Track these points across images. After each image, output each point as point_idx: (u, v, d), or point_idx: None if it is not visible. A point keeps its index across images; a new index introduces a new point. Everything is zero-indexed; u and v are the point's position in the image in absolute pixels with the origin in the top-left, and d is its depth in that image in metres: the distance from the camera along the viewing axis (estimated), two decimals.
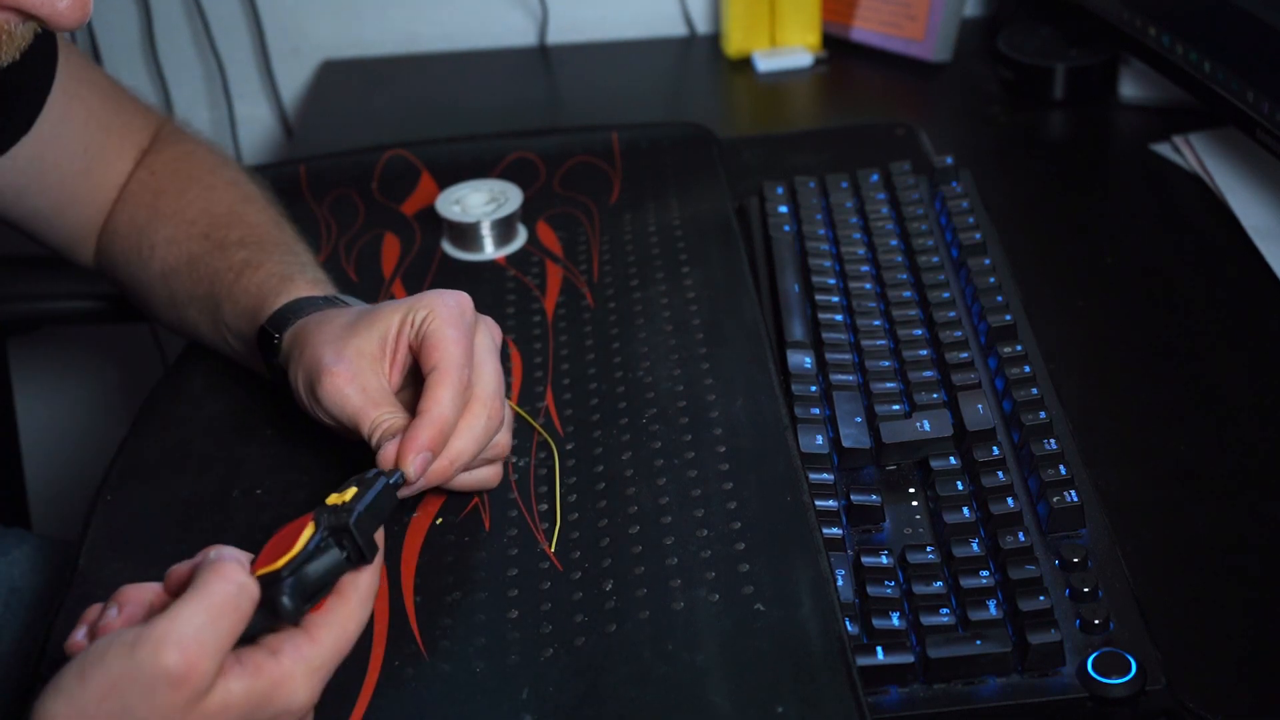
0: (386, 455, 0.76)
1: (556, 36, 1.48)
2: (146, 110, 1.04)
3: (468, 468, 0.80)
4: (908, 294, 0.96)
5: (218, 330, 0.93)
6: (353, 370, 0.79)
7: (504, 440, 0.83)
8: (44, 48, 0.93)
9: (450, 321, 0.80)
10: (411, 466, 0.75)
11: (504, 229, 1.05)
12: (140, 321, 1.49)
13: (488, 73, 1.44)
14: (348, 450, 0.88)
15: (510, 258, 1.04)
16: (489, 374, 0.80)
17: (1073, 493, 0.80)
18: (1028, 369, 0.88)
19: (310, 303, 0.87)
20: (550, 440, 0.86)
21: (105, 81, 1.01)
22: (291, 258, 0.93)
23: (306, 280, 0.90)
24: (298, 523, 0.68)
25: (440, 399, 0.77)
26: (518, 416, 0.89)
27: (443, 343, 0.79)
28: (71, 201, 0.99)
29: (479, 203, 1.06)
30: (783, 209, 1.06)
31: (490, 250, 1.05)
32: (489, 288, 1.01)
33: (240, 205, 0.98)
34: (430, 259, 1.05)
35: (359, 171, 1.15)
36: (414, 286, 1.01)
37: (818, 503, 0.81)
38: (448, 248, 1.06)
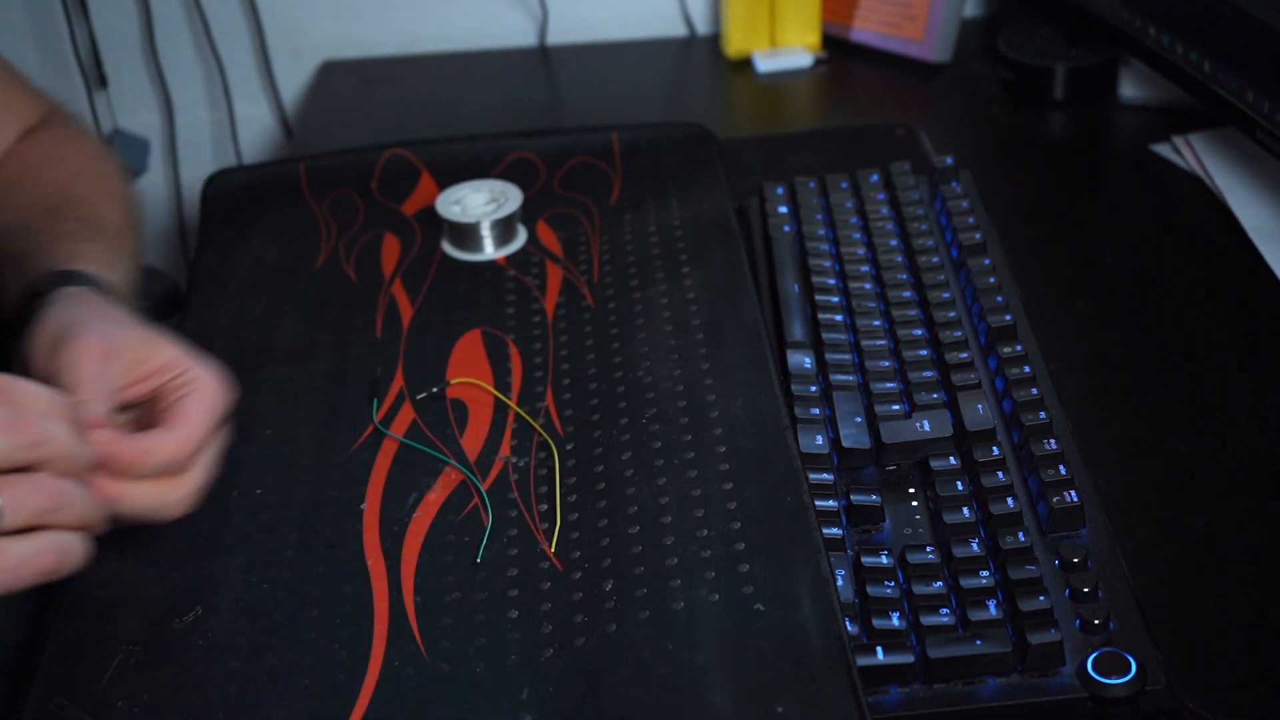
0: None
1: (556, 37, 1.48)
2: (38, 94, 1.06)
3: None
4: (908, 294, 0.96)
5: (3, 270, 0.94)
6: (107, 353, 0.79)
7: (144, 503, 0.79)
8: None
9: (217, 396, 0.81)
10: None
11: (504, 229, 1.05)
12: None
13: (488, 73, 1.44)
14: (348, 452, 0.88)
15: (510, 258, 1.04)
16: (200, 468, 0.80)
17: (1073, 493, 0.80)
18: (1028, 369, 0.89)
19: (101, 281, 0.88)
20: (550, 440, 0.86)
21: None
22: (114, 257, 0.93)
23: (117, 274, 0.91)
24: None
25: (165, 442, 0.77)
26: (518, 416, 0.89)
27: (202, 405, 0.79)
28: None
29: (479, 203, 1.06)
30: (783, 209, 1.06)
31: (490, 250, 1.05)
32: (489, 288, 1.01)
33: (97, 197, 0.99)
34: (430, 259, 1.05)
35: (359, 171, 1.15)
36: (414, 286, 1.01)
37: (818, 503, 0.81)
38: (448, 248, 1.06)
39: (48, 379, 0.77)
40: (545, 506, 0.83)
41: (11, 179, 1.01)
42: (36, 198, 0.98)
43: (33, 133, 1.04)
